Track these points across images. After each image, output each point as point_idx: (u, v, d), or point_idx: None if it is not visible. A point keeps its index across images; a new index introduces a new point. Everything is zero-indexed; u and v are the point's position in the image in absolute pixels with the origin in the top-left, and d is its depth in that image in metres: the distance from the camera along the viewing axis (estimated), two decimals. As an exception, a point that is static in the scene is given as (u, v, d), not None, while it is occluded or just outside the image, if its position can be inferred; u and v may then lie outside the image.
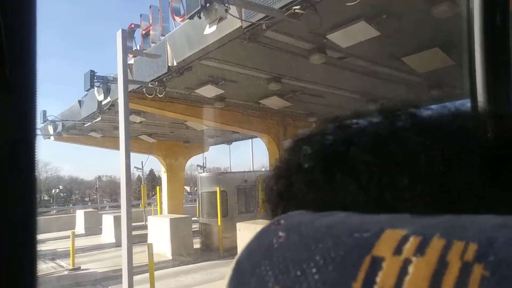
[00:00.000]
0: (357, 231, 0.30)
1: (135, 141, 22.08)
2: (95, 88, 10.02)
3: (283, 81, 11.51)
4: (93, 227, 20.37)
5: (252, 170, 27.98)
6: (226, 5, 5.97)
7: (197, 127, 17.43)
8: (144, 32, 10.76)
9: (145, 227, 19.44)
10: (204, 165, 22.77)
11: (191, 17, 6.04)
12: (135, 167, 24.86)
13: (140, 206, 23.55)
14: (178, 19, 9.38)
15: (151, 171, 74.92)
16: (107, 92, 10.04)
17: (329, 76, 11.14)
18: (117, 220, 16.73)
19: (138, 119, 16.04)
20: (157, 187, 20.74)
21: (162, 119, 16.53)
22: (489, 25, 1.36)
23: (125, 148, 7.37)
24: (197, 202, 21.32)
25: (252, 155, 27.80)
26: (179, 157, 23.50)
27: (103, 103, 13.48)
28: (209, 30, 6.21)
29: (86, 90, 10.65)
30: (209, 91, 12.00)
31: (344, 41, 8.13)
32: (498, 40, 1.38)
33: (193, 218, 15.14)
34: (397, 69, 10.26)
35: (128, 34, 11.72)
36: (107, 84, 9.93)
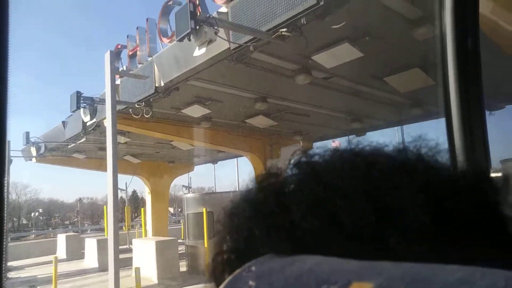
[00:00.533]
0: (325, 283, 0.30)
1: (120, 161, 21.57)
2: (81, 109, 9.94)
3: (269, 100, 11.68)
4: (75, 252, 19.78)
5: (238, 190, 27.90)
6: (215, 28, 6.11)
7: (182, 147, 17.37)
8: (131, 53, 10.82)
9: (129, 250, 19.00)
10: (190, 185, 22.58)
11: (181, 40, 6.14)
12: (119, 188, 24.37)
13: (124, 228, 23.07)
14: (165, 40, 9.49)
15: (134, 192, 73.70)
16: (93, 113, 9.97)
17: (314, 95, 11.36)
18: (100, 244, 16.35)
19: (122, 139, 15.91)
20: (142, 209, 20.40)
21: (147, 139, 16.44)
22: (461, 49, 1.45)
23: (112, 170, 7.31)
24: (182, 224, 21.04)
25: (237, 175, 27.67)
26: (163, 178, 23.28)
27: (88, 123, 13.39)
28: (198, 52, 6.31)
29: (72, 111, 10.57)
30: (195, 111, 12.06)
31: (328, 62, 8.36)
32: (469, 63, 1.46)
33: (178, 240, 14.89)
34: (379, 89, 10.55)
35: (115, 55, 11.80)
36: (93, 105, 9.88)
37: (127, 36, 11.08)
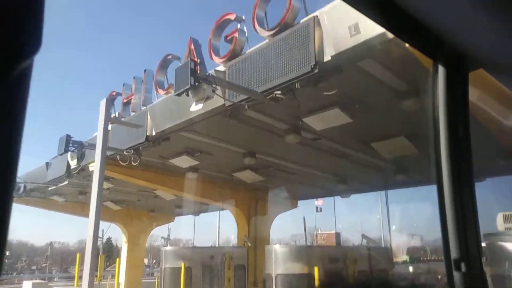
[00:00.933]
0: None
1: (99, 207, 21.24)
2: (69, 153, 9.85)
3: (258, 156, 11.80)
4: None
5: (217, 245, 27.09)
6: (214, 86, 6.34)
7: (166, 196, 17.11)
8: (125, 100, 10.98)
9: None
10: (169, 237, 21.89)
11: (179, 94, 6.33)
12: (95, 235, 23.46)
13: (96, 279, 21.85)
14: (161, 91, 9.72)
15: (109, 240, 70.77)
16: (81, 157, 9.89)
17: (302, 154, 11.56)
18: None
19: (106, 185, 15.61)
20: (117, 259, 19.55)
21: (130, 186, 16.18)
22: (452, 138, 1.57)
23: (95, 217, 7.11)
24: (157, 278, 20.07)
25: (218, 229, 27.05)
26: (142, 227, 22.61)
27: (72, 167, 13.21)
28: (195, 107, 6.48)
29: (60, 154, 10.46)
30: (184, 161, 12.07)
31: (318, 125, 8.63)
32: (461, 151, 1.58)
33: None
34: (366, 153, 10.83)
35: (110, 102, 11.96)
36: (81, 149, 9.82)
37: (123, 84, 11.31)
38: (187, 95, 6.28)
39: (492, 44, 1.53)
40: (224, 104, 7.72)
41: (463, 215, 1.54)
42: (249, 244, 14.81)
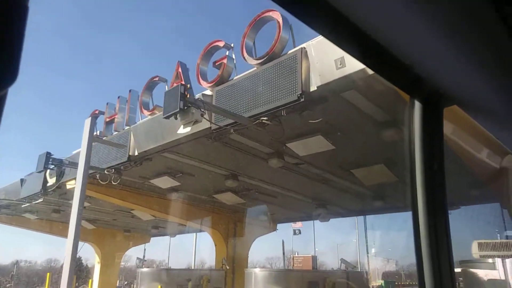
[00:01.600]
0: None
1: (72, 226, 20.62)
2: (48, 170, 9.65)
3: (240, 178, 11.86)
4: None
5: (193, 267, 26.61)
6: (202, 110, 6.44)
7: (143, 216, 16.83)
8: (108, 119, 10.91)
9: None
10: (144, 258, 21.37)
11: (167, 117, 6.39)
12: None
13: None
14: (146, 112, 9.73)
15: (78, 260, 68.25)
16: (60, 175, 9.69)
17: (284, 178, 11.70)
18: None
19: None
20: (90, 280, 18.92)
21: (107, 206, 15.86)
22: (427, 171, 1.64)
23: (74, 236, 6.97)
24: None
25: (194, 251, 26.63)
26: (117, 247, 22.04)
27: (49, 184, 12.88)
28: (183, 130, 6.55)
29: (39, 172, 10.21)
30: (164, 182, 11.98)
31: (301, 150, 8.82)
32: (435, 184, 1.65)
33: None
34: (345, 179, 11.07)
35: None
36: (61, 167, 9.64)
37: (107, 104, 11.26)
38: (176, 118, 6.35)
39: (466, 83, 1.59)
40: (210, 127, 7.81)
41: (437, 244, 1.59)
42: (227, 267, 14.66)
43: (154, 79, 9.96)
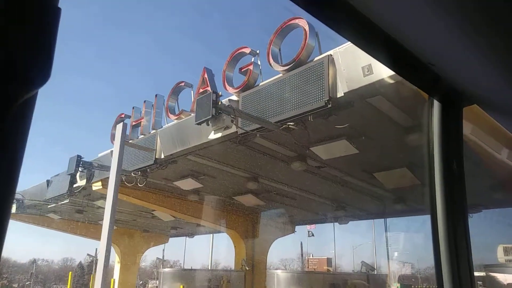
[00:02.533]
0: None
1: (94, 226, 21.11)
2: (78, 173, 10.02)
3: (260, 180, 12.06)
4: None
5: (210, 267, 26.91)
6: (232, 116, 6.67)
7: (164, 217, 17.15)
8: (134, 123, 11.24)
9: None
10: (164, 258, 21.74)
11: (200, 123, 6.64)
12: (87, 254, 23.24)
13: (86, 298, 21.51)
14: (172, 116, 10.02)
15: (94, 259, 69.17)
16: (90, 178, 10.05)
17: (304, 181, 11.85)
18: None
19: (104, 204, 15.69)
20: (112, 279, 19.34)
21: (129, 206, 16.21)
22: (446, 170, 1.60)
23: (107, 238, 7.26)
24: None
25: (211, 251, 26.92)
26: (136, 247, 22.42)
27: (75, 186, 13.30)
28: (213, 135, 6.79)
29: (69, 174, 10.58)
30: (187, 184, 12.26)
31: (325, 154, 8.98)
32: (454, 184, 1.61)
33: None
34: (367, 182, 11.17)
35: (116, 123, 12.21)
36: (91, 170, 9.99)
37: (133, 108, 11.60)
38: (207, 124, 6.59)
39: (486, 82, 1.57)
40: (237, 132, 8.02)
41: (456, 245, 1.57)
42: (247, 268, 14.87)
43: (180, 84, 10.25)
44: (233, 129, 8.15)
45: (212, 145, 9.15)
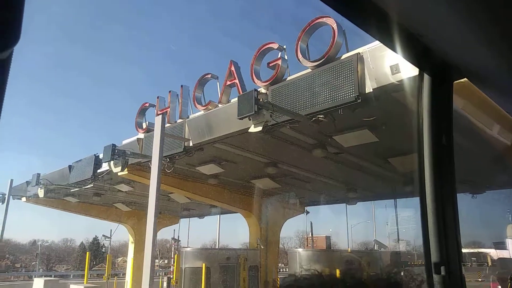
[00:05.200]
0: None
1: (110, 208, 21.89)
2: (112, 161, 10.66)
3: (278, 166, 12.78)
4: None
5: (217, 246, 27.93)
6: (271, 111, 7.30)
7: (179, 199, 17.88)
8: (160, 112, 11.80)
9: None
10: (178, 239, 22.66)
11: (242, 118, 7.27)
12: (103, 235, 24.15)
13: (104, 278, 22.51)
14: (200, 107, 10.61)
15: (95, 239, 70.39)
16: (125, 165, 10.69)
17: (320, 165, 12.59)
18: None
19: (126, 188, 16.40)
20: (131, 259, 20.25)
21: (146, 189, 16.87)
22: (435, 145, 1.60)
23: (153, 225, 7.94)
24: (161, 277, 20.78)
25: (218, 231, 27.92)
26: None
27: (98, 171, 13.96)
28: (254, 129, 7.43)
29: (105, 162, 11.21)
30: (210, 169, 12.95)
31: (346, 142, 9.67)
32: (444, 158, 1.60)
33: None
34: (380, 167, 11.93)
35: (141, 111, 12.78)
36: (125, 157, 10.63)
37: (157, 97, 12.14)
38: (249, 119, 7.22)
39: (476, 55, 1.54)
40: (267, 122, 8.65)
41: (444, 219, 1.55)
42: (262, 247, 15.77)
43: (206, 76, 10.80)
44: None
45: (239, 134, 9.80)
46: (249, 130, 7.79)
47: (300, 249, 12.42)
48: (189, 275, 14.31)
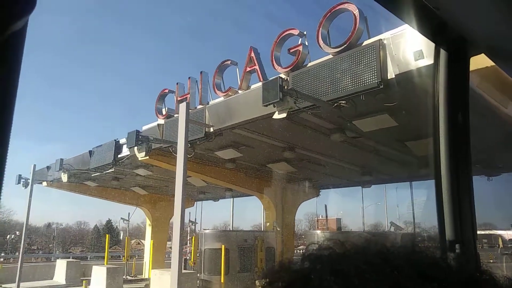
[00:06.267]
0: None
1: (127, 192, 22.43)
2: (136, 146, 10.99)
3: (296, 150, 13.00)
4: (76, 278, 19.90)
5: (231, 228, 28.52)
6: (295, 98, 7.48)
7: (196, 183, 18.27)
8: (180, 98, 12.04)
9: (139, 280, 19.38)
10: (196, 221, 23.22)
11: (267, 105, 7.47)
12: (121, 218, 24.81)
13: (123, 259, 23.26)
14: (220, 93, 10.81)
15: (109, 222, 71.92)
16: (148, 150, 11.02)
17: (337, 149, 12.78)
18: (110, 272, 16.71)
19: (144, 172, 16.80)
20: (151, 241, 20.90)
21: (165, 174, 17.29)
22: (451, 123, 1.58)
23: (180, 209, 8.23)
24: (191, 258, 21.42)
25: (232, 214, 28.34)
26: (166, 211, 23.82)
27: (119, 156, 14.36)
28: (278, 115, 7.64)
29: (130, 147, 11.56)
30: (228, 153, 13.24)
31: (366, 127, 9.83)
32: (459, 135, 1.57)
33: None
34: (397, 150, 12.09)
35: (160, 97, 13.02)
36: (147, 143, 10.95)
37: (177, 83, 12.37)
38: (274, 106, 7.42)
39: (495, 29, 1.48)
40: (291, 109, 8.84)
41: (459, 198, 1.53)
42: (278, 229, 16.16)
43: (226, 62, 10.95)
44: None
45: (260, 120, 10.01)
46: (274, 117, 7.99)
47: (318, 231, 12.78)
48: (209, 256, 14.78)
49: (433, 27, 1.50)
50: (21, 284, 18.44)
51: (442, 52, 1.60)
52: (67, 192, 22.04)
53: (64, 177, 15.77)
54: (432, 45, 1.66)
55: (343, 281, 0.52)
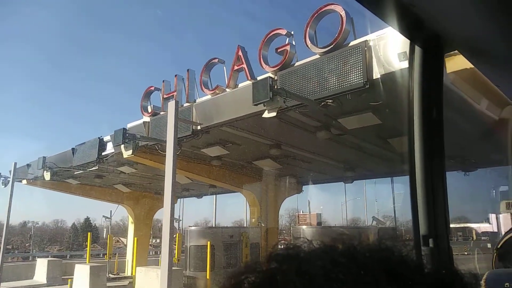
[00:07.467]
0: None
1: (110, 190, 22.18)
2: (123, 144, 10.95)
3: (282, 147, 13.22)
4: (57, 277, 19.60)
5: (214, 224, 28.60)
6: (285, 98, 7.66)
7: (181, 180, 18.25)
8: (166, 96, 12.04)
9: (122, 278, 19.26)
10: (179, 218, 23.15)
11: (257, 104, 7.61)
12: (103, 215, 24.51)
13: (105, 257, 23.03)
14: (207, 91, 10.88)
15: (87, 220, 70.79)
16: (135, 148, 10.99)
17: (321, 146, 13.07)
18: (93, 270, 16.55)
19: (128, 170, 16.70)
20: (135, 239, 20.74)
21: (149, 171, 17.24)
22: (425, 118, 1.59)
23: (170, 207, 8.32)
24: (175, 255, 21.43)
25: (215, 210, 28.53)
26: (148, 208, 23.70)
27: (103, 154, 14.25)
28: (268, 114, 7.80)
29: (116, 145, 11.48)
30: (215, 151, 13.34)
31: (350, 125, 10.12)
32: (433, 131, 1.59)
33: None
34: (379, 146, 12.46)
35: (146, 95, 12.98)
36: (135, 141, 10.92)
37: (163, 81, 12.36)
38: (264, 105, 7.58)
39: (469, 26, 1.50)
40: (279, 108, 9.01)
41: (433, 192, 1.54)
42: (263, 225, 16.38)
43: (213, 60, 11.03)
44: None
45: (247, 117, 10.15)
46: (263, 116, 8.15)
47: (304, 226, 13.10)
48: (194, 252, 14.87)
49: (408, 24, 1.51)
50: (2, 284, 18.08)
51: (417, 49, 1.61)
52: (44, 190, 21.64)
53: (47, 175, 15.51)
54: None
55: (309, 281, 0.52)
